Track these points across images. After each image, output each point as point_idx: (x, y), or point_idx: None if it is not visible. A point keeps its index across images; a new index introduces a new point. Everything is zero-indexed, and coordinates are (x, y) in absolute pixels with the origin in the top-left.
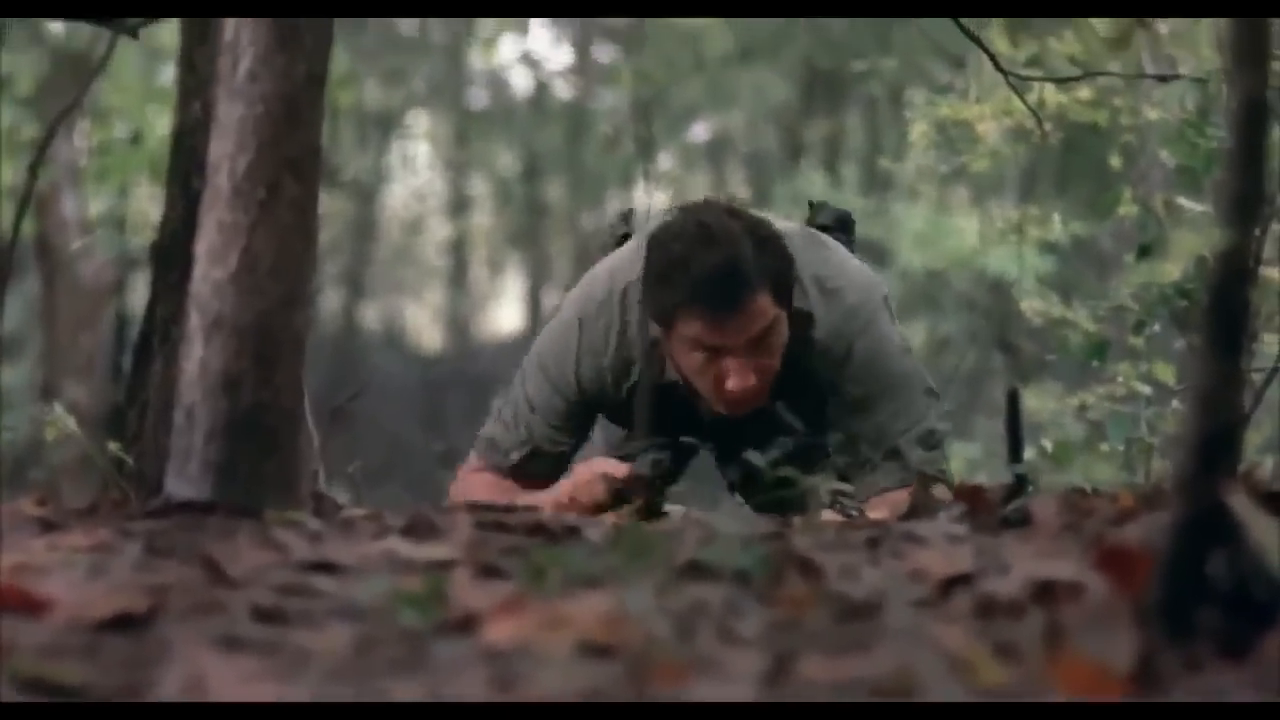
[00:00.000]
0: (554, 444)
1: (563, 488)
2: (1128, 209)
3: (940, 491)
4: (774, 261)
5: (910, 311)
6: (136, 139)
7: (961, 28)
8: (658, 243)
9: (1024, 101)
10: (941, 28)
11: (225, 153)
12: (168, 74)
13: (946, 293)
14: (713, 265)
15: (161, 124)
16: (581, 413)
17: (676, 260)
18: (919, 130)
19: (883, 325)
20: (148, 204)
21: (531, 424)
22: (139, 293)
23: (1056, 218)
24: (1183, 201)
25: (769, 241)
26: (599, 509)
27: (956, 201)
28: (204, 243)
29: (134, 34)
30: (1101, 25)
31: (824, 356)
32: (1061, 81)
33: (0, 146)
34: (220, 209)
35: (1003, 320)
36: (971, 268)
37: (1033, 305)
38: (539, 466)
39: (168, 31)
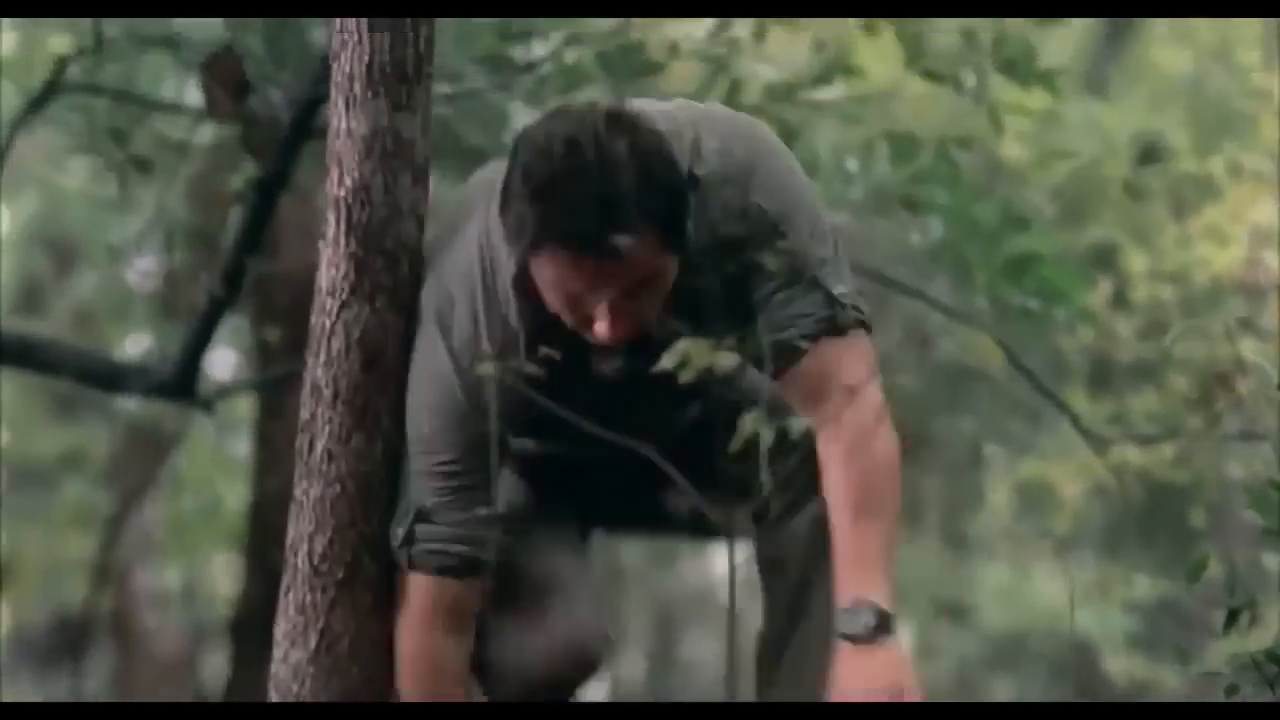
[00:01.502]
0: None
1: None
2: (1214, 570)
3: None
4: (663, 194)
5: (993, 672)
6: (212, 513)
7: (1040, 387)
8: (518, 159)
9: (1104, 463)
10: (1019, 386)
11: (304, 532)
12: (241, 446)
13: (1028, 653)
14: (578, 198)
15: (234, 495)
16: (476, 428)
17: (537, 185)
18: (999, 495)
19: (783, 155)
20: (222, 576)
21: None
22: (215, 667)
23: (1141, 578)
24: (1269, 563)
25: (659, 166)
26: None
27: (1036, 554)
28: (283, 623)
29: (209, 408)
30: (1183, 384)
31: (722, 210)
32: (1143, 442)
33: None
34: (299, 589)
35: (1087, 683)
36: (1055, 628)
37: (1119, 666)
38: (475, 493)
39: (242, 405)
